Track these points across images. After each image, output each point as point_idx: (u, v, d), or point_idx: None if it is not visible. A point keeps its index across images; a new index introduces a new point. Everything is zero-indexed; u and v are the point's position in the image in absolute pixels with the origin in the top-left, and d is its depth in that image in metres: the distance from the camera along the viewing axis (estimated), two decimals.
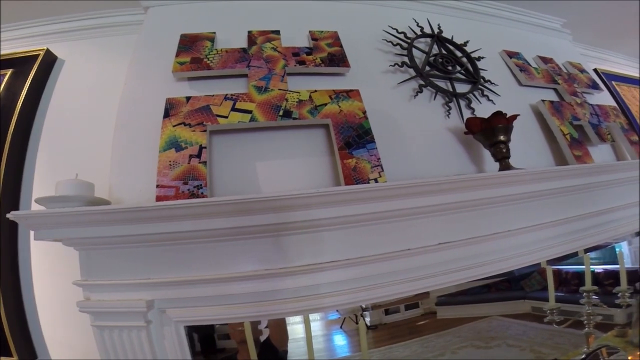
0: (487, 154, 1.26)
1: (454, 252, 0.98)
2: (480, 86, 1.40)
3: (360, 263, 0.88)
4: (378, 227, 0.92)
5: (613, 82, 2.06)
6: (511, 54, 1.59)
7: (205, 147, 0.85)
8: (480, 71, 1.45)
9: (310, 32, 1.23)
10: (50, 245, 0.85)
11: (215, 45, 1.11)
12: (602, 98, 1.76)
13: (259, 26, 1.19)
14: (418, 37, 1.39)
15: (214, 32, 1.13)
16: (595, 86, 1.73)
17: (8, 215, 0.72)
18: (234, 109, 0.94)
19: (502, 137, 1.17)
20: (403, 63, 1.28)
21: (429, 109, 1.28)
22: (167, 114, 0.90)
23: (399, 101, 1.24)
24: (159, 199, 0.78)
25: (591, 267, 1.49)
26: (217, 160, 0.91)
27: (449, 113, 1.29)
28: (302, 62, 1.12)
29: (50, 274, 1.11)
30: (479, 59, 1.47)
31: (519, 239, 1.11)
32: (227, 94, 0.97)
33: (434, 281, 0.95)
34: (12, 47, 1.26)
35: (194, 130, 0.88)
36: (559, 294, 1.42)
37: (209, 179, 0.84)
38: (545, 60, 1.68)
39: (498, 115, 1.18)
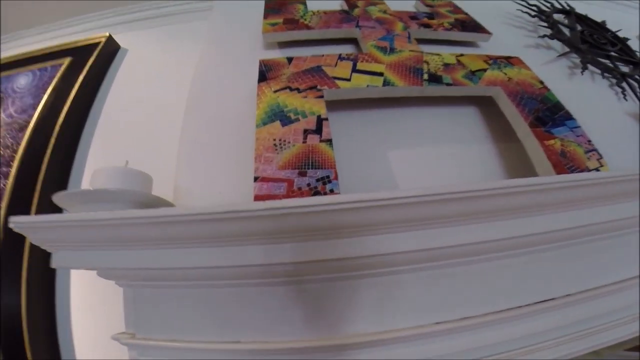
0: None
1: None
2: None
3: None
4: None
5: None
6: None
7: (326, 119, 0.48)
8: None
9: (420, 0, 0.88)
10: None
11: (308, 8, 0.78)
12: None
13: None
14: (555, 11, 0.99)
15: None
16: None
17: (10, 225, 0.36)
18: (356, 71, 0.57)
19: None
20: (552, 35, 0.88)
21: (596, 91, 0.86)
22: (263, 78, 0.54)
23: (558, 80, 0.82)
24: (258, 199, 0.40)
25: None
26: (340, 146, 0.53)
27: (625, 95, 0.85)
28: (427, 26, 0.75)
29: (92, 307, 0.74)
30: (625, 39, 1.04)
31: None
32: (340, 54, 0.61)
33: None
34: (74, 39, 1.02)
35: (306, 96, 0.51)
36: None
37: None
38: None
39: None
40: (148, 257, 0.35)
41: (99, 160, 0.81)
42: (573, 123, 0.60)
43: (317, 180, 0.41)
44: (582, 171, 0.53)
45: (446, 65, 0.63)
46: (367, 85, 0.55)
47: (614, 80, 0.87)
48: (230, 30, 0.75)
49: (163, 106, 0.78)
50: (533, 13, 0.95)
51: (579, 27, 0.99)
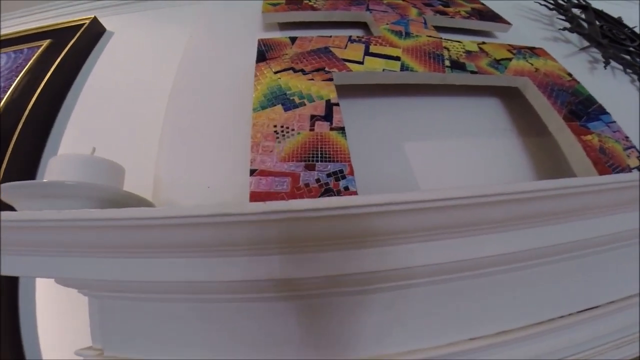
0: None
1: None
2: None
3: None
4: None
5: None
6: None
7: (337, 105, 0.40)
8: None
9: None
10: None
11: None
12: None
13: None
14: (573, 5, 0.93)
15: None
16: None
17: None
18: (369, 54, 0.50)
19: None
20: (572, 29, 0.82)
21: (618, 86, 0.80)
22: (262, 57, 0.46)
23: (580, 74, 0.76)
24: (255, 197, 0.32)
25: None
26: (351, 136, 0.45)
27: None
28: (442, 13, 0.68)
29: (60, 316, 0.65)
30: None
31: None
32: (350, 36, 0.53)
33: None
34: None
35: (313, 79, 0.43)
36: None
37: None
38: None
39: None
40: (109, 268, 0.27)
41: (72, 149, 0.72)
42: (608, 118, 0.53)
43: (329, 175, 0.34)
44: (623, 170, 0.46)
45: (468, 52, 0.56)
46: (383, 70, 0.47)
47: (636, 76, 0.82)
48: (225, 10, 0.67)
49: (148, 91, 0.69)
50: (551, 6, 0.89)
51: (597, 22, 0.94)
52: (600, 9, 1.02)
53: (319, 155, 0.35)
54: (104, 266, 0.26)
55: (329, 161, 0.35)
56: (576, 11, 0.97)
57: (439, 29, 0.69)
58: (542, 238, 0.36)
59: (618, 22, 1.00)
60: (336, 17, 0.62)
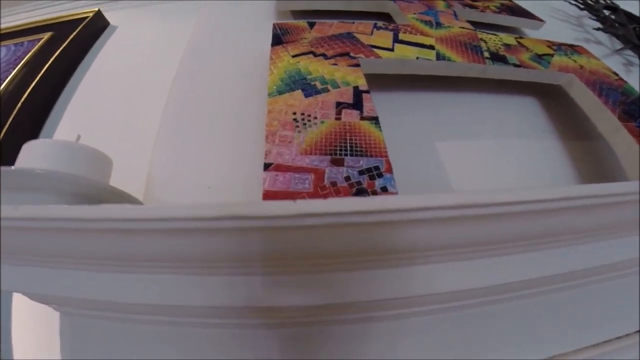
0: None
1: None
2: None
3: None
4: None
5: None
6: None
7: (367, 92, 0.34)
8: None
9: None
10: None
11: None
12: None
13: None
14: (602, 6, 0.88)
15: None
16: None
17: None
18: (398, 41, 0.44)
19: None
20: (606, 30, 0.76)
21: None
22: (278, 41, 0.40)
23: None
24: (270, 197, 0.25)
25: None
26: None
27: None
28: (472, 7, 0.63)
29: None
30: None
31: None
32: (376, 23, 0.47)
33: None
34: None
35: (336, 64, 0.37)
36: None
37: None
38: None
39: None
40: (71, 282, 0.20)
41: None
42: None
43: (361, 172, 0.27)
44: None
45: (507, 45, 0.50)
46: (417, 57, 0.41)
47: None
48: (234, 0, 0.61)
49: (149, 85, 0.63)
50: (582, 6, 0.83)
51: (630, 24, 0.88)
52: (629, 11, 0.97)
53: (349, 149, 0.28)
54: (65, 280, 0.20)
55: (362, 155, 0.28)
56: (607, 12, 0.92)
57: (474, 23, 0.64)
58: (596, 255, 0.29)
59: None
60: (357, 6, 0.57)
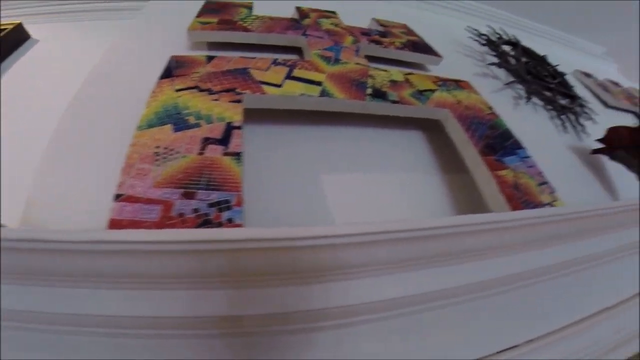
0: (625, 181, 0.80)
1: None
2: (580, 102, 0.99)
3: None
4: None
5: None
6: (586, 75, 1.24)
7: (239, 128, 0.37)
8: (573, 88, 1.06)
9: (374, 19, 0.84)
10: None
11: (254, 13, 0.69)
12: None
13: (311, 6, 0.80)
14: (503, 42, 1.01)
15: (252, 2, 0.72)
16: None
17: None
18: (290, 77, 0.48)
19: None
20: (500, 64, 0.88)
21: (538, 121, 0.85)
22: (168, 74, 0.43)
23: (504, 108, 0.80)
24: (115, 225, 0.27)
25: None
26: (252, 165, 0.42)
27: (566, 128, 0.86)
28: (377, 43, 0.70)
29: None
30: (563, 74, 1.09)
31: None
32: (276, 58, 0.51)
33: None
34: None
35: (217, 99, 0.40)
36: None
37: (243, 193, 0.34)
38: (614, 83, 1.33)
39: None
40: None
41: None
42: (524, 152, 0.54)
43: (211, 205, 0.29)
44: (536, 206, 0.46)
45: (393, 82, 0.56)
46: (301, 94, 0.45)
47: (555, 113, 0.88)
48: (153, 27, 0.63)
49: (47, 106, 0.62)
50: (483, 42, 0.95)
51: (524, 59, 1.01)
52: (528, 46, 1.12)
53: (204, 183, 0.31)
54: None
55: (215, 190, 0.30)
56: (507, 48, 1.05)
57: (374, 58, 0.70)
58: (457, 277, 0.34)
59: (543, 60, 1.09)
60: (270, 40, 0.61)
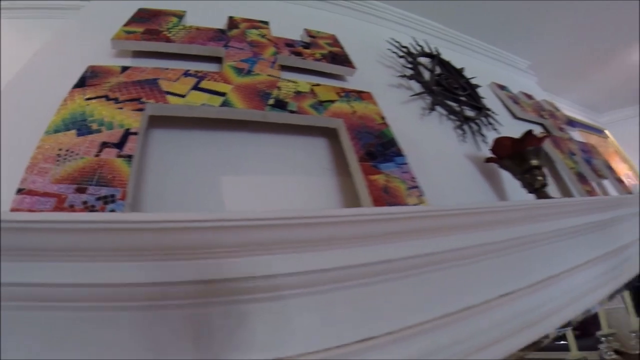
0: (513, 187, 0.96)
1: (518, 304, 0.59)
2: (486, 113, 1.15)
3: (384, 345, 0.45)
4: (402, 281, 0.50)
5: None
6: (501, 87, 1.42)
7: (135, 134, 0.45)
8: (482, 99, 1.22)
9: (306, 29, 0.93)
10: None
11: (184, 22, 0.75)
12: (577, 138, 1.62)
13: (245, 15, 0.87)
14: (421, 54, 1.13)
15: (185, 11, 0.78)
16: (571, 124, 1.61)
17: None
18: (197, 88, 0.56)
19: (534, 162, 0.88)
20: (412, 76, 1.00)
21: (441, 131, 0.99)
22: (81, 84, 0.49)
23: (410, 118, 0.93)
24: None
25: None
26: (157, 166, 0.50)
27: (464, 137, 1.00)
28: (298, 54, 0.79)
29: None
30: (476, 86, 1.24)
31: (568, 282, 0.76)
32: (188, 70, 0.59)
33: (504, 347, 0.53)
34: None
35: (122, 108, 0.47)
36: None
37: (133, 189, 0.42)
38: (527, 96, 1.53)
39: (529, 135, 0.90)
40: None
41: None
42: (402, 159, 0.66)
43: (98, 199, 0.37)
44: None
45: (298, 92, 0.66)
46: (203, 104, 0.53)
47: (458, 123, 1.02)
48: (88, 29, 0.68)
49: None
50: (401, 54, 1.06)
51: (438, 71, 1.15)
52: (448, 59, 1.26)
53: (95, 180, 0.39)
54: None
55: (104, 186, 0.38)
56: (426, 60, 1.18)
57: (295, 68, 0.79)
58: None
59: (458, 73, 1.23)
60: (192, 50, 0.68)
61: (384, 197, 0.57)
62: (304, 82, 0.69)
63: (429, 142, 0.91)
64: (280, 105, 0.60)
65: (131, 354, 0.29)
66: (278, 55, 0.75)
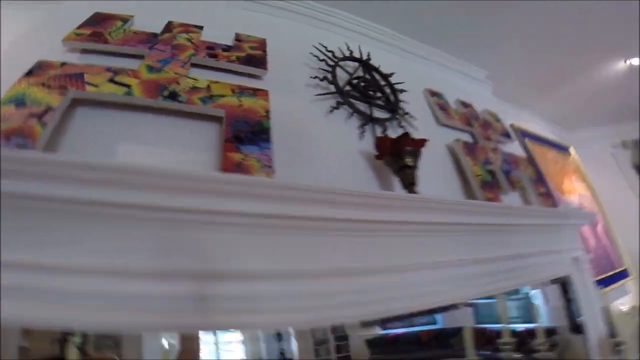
0: (397, 183, 1.14)
1: (352, 282, 0.77)
2: (397, 116, 1.32)
3: None
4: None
5: (526, 139, 2.08)
6: (433, 93, 1.56)
7: (53, 109, 0.70)
8: (401, 103, 1.37)
9: (236, 33, 1.14)
10: None
11: (128, 27, 0.99)
12: (513, 149, 1.74)
13: (185, 20, 1.09)
14: (345, 58, 1.31)
15: (132, 16, 1.02)
16: (507, 135, 1.72)
17: None
18: (111, 81, 0.80)
19: (409, 162, 1.05)
20: (324, 78, 1.19)
21: (344, 129, 1.17)
22: (29, 73, 0.74)
23: (314, 115, 1.13)
24: None
25: (513, 325, 1.42)
26: (76, 135, 0.74)
27: (363, 135, 1.18)
28: (213, 56, 1.00)
29: None
30: (401, 91, 1.40)
31: (435, 273, 0.93)
32: (110, 67, 0.83)
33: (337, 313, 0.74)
34: None
35: (50, 92, 0.72)
36: (484, 352, 1.35)
37: (45, 143, 0.67)
38: (465, 104, 1.65)
39: (405, 137, 1.07)
40: None
41: None
42: (267, 145, 0.86)
43: (16, 145, 0.63)
44: None
45: (194, 88, 0.88)
46: (109, 92, 0.78)
47: (362, 122, 1.20)
48: (48, 30, 0.93)
49: None
50: (321, 57, 1.25)
51: (359, 74, 1.32)
52: (387, 64, 1.41)
53: (17, 136, 0.64)
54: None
55: (21, 138, 0.64)
56: (355, 64, 1.35)
57: (214, 68, 1.00)
58: None
59: (384, 77, 1.39)
60: (123, 50, 0.91)
61: (235, 170, 0.79)
62: (203, 79, 0.91)
63: (329, 137, 1.11)
64: (172, 96, 0.83)
65: None
66: (194, 56, 0.97)
